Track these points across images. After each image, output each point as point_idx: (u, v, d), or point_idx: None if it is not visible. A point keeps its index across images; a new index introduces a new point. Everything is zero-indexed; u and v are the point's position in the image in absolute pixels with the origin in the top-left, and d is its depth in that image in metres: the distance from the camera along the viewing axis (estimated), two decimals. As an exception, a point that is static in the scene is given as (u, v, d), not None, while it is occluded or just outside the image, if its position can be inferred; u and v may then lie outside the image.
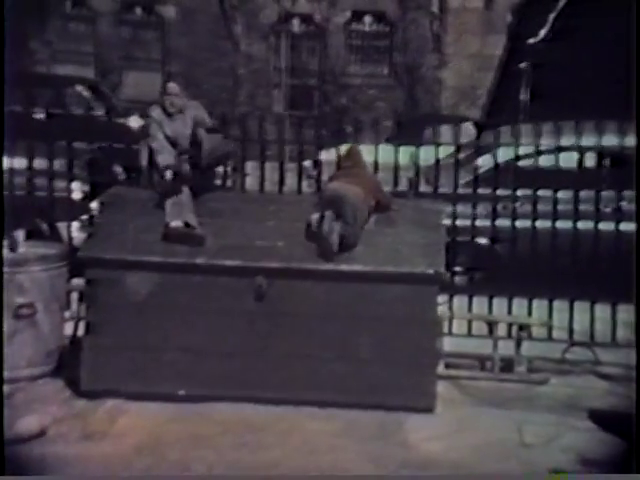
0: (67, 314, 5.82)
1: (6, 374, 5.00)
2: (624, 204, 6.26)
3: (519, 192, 6.31)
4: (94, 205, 6.21)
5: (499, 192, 6.30)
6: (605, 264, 5.94)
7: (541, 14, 16.09)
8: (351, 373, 5.18)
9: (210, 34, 19.05)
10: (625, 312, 6.08)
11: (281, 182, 6.41)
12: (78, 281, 5.66)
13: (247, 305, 5.22)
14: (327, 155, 6.74)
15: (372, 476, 4.47)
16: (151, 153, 5.59)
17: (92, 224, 5.92)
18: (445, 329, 5.94)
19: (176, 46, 19.49)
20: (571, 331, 6.12)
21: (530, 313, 6.11)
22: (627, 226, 6.11)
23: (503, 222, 6.25)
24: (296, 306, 5.22)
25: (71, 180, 6.43)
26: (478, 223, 6.26)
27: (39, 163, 6.30)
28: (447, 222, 5.82)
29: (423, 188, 6.48)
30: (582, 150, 6.33)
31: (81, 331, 5.57)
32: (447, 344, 5.84)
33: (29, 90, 6.72)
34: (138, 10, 19.78)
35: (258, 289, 5.21)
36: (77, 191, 6.91)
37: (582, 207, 6.19)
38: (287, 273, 5.23)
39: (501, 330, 5.98)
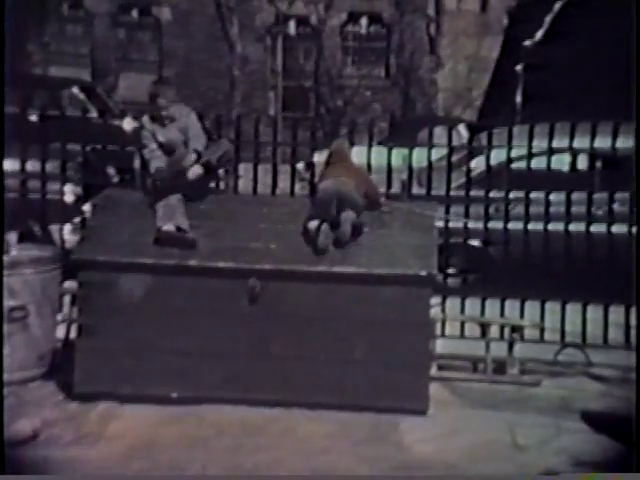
0: (59, 317, 5.82)
1: (-3, 377, 4.99)
2: (616, 206, 6.27)
3: (512, 194, 6.32)
4: (87, 207, 6.20)
5: (492, 194, 6.31)
6: (597, 266, 5.95)
7: (537, 16, 16.11)
8: (344, 375, 5.18)
9: (206, 36, 19.07)
10: (617, 314, 6.10)
11: (274, 184, 6.41)
12: (71, 284, 5.66)
13: (241, 307, 5.22)
14: (320, 157, 6.74)
15: (366, 477, 4.48)
16: (143, 159, 5.60)
17: (85, 227, 5.92)
18: (438, 331, 5.95)
19: (172, 48, 19.52)
20: (563, 333, 6.13)
21: (522, 315, 6.12)
22: (619, 228, 6.13)
23: (496, 224, 6.26)
24: (289, 308, 5.23)
25: (64, 182, 6.43)
26: (471, 225, 6.27)
27: (32, 165, 6.29)
28: (440, 224, 5.83)
29: (416, 190, 6.49)
30: (574, 152, 6.35)
31: (73, 334, 5.57)
32: (440, 346, 5.85)
33: (24, 92, 6.72)
34: (134, 12, 19.82)
35: (251, 291, 5.22)
36: (70, 193, 6.89)
37: (574, 209, 6.20)
38: (280, 275, 5.23)
39: (493, 332, 5.99)
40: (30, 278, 5.45)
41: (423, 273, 5.19)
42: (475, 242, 6.40)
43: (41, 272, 5.50)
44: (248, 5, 18.71)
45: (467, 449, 4.71)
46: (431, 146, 6.36)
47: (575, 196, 6.22)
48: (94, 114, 10.40)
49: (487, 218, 6.28)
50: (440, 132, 6.93)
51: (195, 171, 5.50)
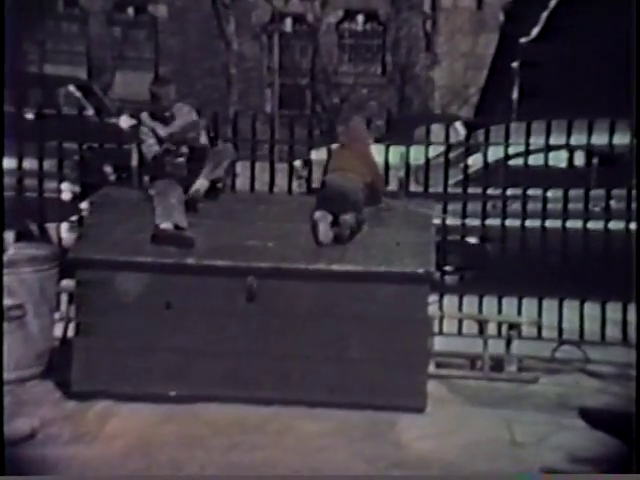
0: (57, 315, 5.81)
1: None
2: (613, 203, 6.28)
3: (509, 191, 6.32)
4: (84, 206, 6.18)
5: (489, 191, 6.31)
6: (594, 263, 5.96)
7: (533, 13, 16.12)
8: (342, 373, 5.18)
9: (202, 33, 19.03)
10: (614, 310, 6.11)
11: (271, 182, 6.41)
12: (68, 282, 5.65)
13: (238, 305, 5.22)
14: (317, 155, 6.74)
15: (364, 476, 4.48)
16: (141, 154, 5.58)
17: (82, 225, 5.91)
18: (436, 328, 5.95)
19: (168, 45, 19.47)
20: (561, 330, 6.14)
21: (520, 312, 6.13)
22: (616, 225, 6.14)
23: (493, 221, 6.26)
24: (287, 306, 5.22)
25: (61, 180, 6.42)
26: (468, 222, 6.27)
27: (29, 163, 6.28)
28: (437, 221, 5.83)
29: (413, 188, 6.49)
30: (571, 149, 6.35)
31: (71, 332, 5.56)
32: (438, 343, 5.85)
33: (20, 90, 6.70)
34: (130, 10, 19.77)
35: (249, 289, 5.21)
36: (67, 192, 6.89)
37: (571, 206, 6.21)
38: (278, 273, 5.23)
39: (491, 329, 5.99)
40: (27, 277, 5.44)
41: (421, 271, 5.19)
42: (472, 239, 6.40)
43: (38, 271, 5.49)
44: (244, 2, 18.66)
45: (465, 446, 4.71)
46: (428, 143, 6.36)
47: (572, 193, 6.22)
48: (90, 112, 10.37)
49: (484, 215, 6.29)
50: (437, 129, 6.92)
51: (201, 185, 5.50)
